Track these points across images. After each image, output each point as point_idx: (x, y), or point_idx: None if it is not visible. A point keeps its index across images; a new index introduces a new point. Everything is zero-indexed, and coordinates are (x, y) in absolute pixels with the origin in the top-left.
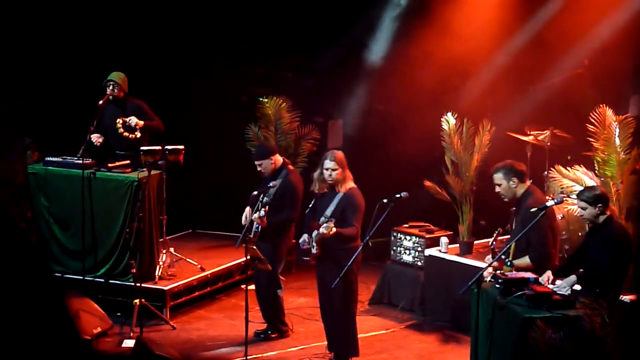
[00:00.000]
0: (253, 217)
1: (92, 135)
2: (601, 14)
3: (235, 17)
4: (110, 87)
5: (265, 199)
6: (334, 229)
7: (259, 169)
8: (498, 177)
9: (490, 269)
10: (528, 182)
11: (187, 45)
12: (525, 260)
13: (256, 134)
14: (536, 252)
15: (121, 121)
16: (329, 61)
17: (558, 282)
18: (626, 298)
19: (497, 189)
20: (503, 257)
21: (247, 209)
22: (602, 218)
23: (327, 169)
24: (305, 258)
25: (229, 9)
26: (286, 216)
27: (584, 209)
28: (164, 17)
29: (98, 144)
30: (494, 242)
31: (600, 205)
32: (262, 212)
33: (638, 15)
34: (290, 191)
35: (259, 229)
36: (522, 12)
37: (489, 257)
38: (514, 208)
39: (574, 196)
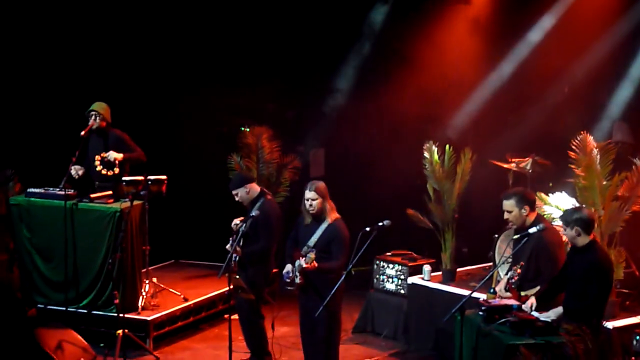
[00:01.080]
0: (227, 247)
1: (72, 167)
2: (582, 46)
3: (218, 48)
4: (93, 117)
5: (243, 229)
6: (315, 264)
7: (236, 198)
8: (510, 204)
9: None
10: (536, 212)
11: (170, 76)
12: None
13: (238, 163)
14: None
15: (99, 158)
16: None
17: (544, 313)
18: (609, 325)
19: (507, 215)
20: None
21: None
22: (582, 241)
23: (307, 199)
24: (289, 288)
25: (212, 39)
26: (261, 246)
27: (564, 229)
28: (148, 48)
29: (77, 176)
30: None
31: (577, 227)
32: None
33: (617, 46)
34: (264, 221)
35: (237, 259)
36: (505, 41)
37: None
38: (495, 235)
39: (556, 223)
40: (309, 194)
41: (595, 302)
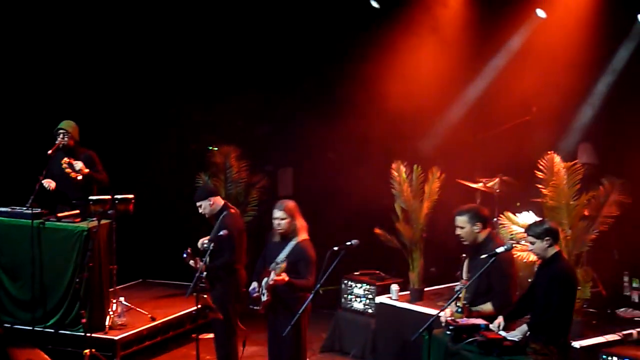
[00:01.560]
0: (190, 263)
1: (44, 180)
2: (549, 67)
3: (186, 65)
4: (61, 136)
5: (210, 247)
6: (286, 277)
7: (200, 210)
8: (462, 220)
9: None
10: (489, 229)
11: (137, 94)
12: (488, 307)
13: (206, 182)
14: (499, 299)
15: (67, 160)
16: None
17: (511, 332)
18: (576, 344)
19: (459, 231)
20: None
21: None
22: (550, 252)
23: (275, 219)
24: (255, 307)
25: (179, 57)
26: (225, 260)
27: (532, 243)
28: (114, 66)
29: (50, 188)
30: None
31: (548, 238)
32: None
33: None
34: (226, 235)
35: (203, 276)
36: (472, 61)
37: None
38: (463, 255)
39: (523, 242)
40: (277, 213)
41: (558, 312)
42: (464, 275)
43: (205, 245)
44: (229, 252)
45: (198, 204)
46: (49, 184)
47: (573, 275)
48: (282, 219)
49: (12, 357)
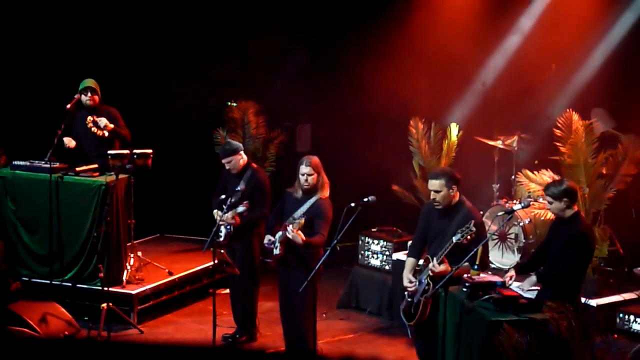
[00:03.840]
0: (224, 218)
1: (64, 139)
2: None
3: (204, 18)
4: (89, 94)
5: (233, 199)
6: (303, 237)
7: (227, 167)
8: (439, 184)
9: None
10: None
11: (155, 48)
12: (465, 265)
13: (224, 137)
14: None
15: (92, 119)
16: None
17: (517, 283)
18: (593, 302)
19: (434, 195)
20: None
21: (215, 211)
22: (569, 212)
23: (302, 174)
24: (267, 260)
25: (198, 10)
26: (259, 213)
27: (550, 203)
28: (132, 20)
29: (70, 147)
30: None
31: (566, 199)
32: (241, 208)
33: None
34: (259, 189)
35: (231, 230)
36: (492, 20)
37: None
38: (480, 212)
39: (541, 200)
40: (305, 169)
41: (574, 269)
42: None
43: (227, 198)
44: (260, 205)
45: (228, 159)
46: (68, 142)
47: (591, 236)
48: (310, 174)
49: (26, 311)
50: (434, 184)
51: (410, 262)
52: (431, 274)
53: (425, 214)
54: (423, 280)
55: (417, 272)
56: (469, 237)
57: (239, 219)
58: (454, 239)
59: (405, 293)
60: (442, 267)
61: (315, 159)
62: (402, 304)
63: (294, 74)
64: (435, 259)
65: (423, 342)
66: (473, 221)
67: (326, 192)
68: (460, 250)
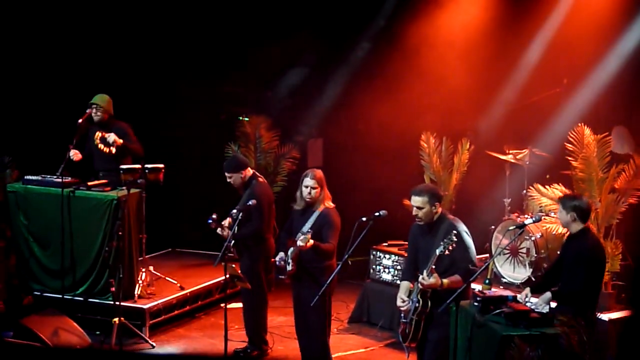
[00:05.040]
0: (218, 231)
1: (70, 151)
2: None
3: (216, 35)
4: (94, 111)
5: (240, 217)
6: (311, 241)
7: (228, 180)
8: (422, 201)
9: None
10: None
11: (168, 64)
12: (457, 278)
13: (236, 152)
14: (463, 269)
15: (100, 135)
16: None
17: (534, 299)
18: (604, 317)
19: (416, 211)
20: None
21: (227, 220)
22: (576, 227)
23: (306, 187)
24: (281, 276)
25: (210, 26)
26: (253, 228)
27: (559, 212)
28: (146, 36)
29: (76, 159)
30: None
31: (573, 213)
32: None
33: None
34: (255, 204)
35: (232, 244)
36: (502, 32)
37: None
38: (492, 227)
39: (553, 214)
40: (309, 182)
41: (584, 288)
42: (493, 248)
43: (234, 215)
44: (257, 220)
45: (228, 175)
46: (74, 155)
47: (600, 252)
48: (314, 187)
49: (38, 326)
50: (417, 200)
51: (404, 285)
52: (421, 287)
53: (412, 236)
54: (414, 299)
55: (411, 293)
56: (450, 247)
57: (232, 236)
58: (437, 251)
59: (402, 315)
60: (432, 280)
61: (320, 173)
62: (399, 326)
63: (302, 90)
64: (425, 271)
65: None
66: (455, 231)
67: (328, 203)
68: (445, 262)
